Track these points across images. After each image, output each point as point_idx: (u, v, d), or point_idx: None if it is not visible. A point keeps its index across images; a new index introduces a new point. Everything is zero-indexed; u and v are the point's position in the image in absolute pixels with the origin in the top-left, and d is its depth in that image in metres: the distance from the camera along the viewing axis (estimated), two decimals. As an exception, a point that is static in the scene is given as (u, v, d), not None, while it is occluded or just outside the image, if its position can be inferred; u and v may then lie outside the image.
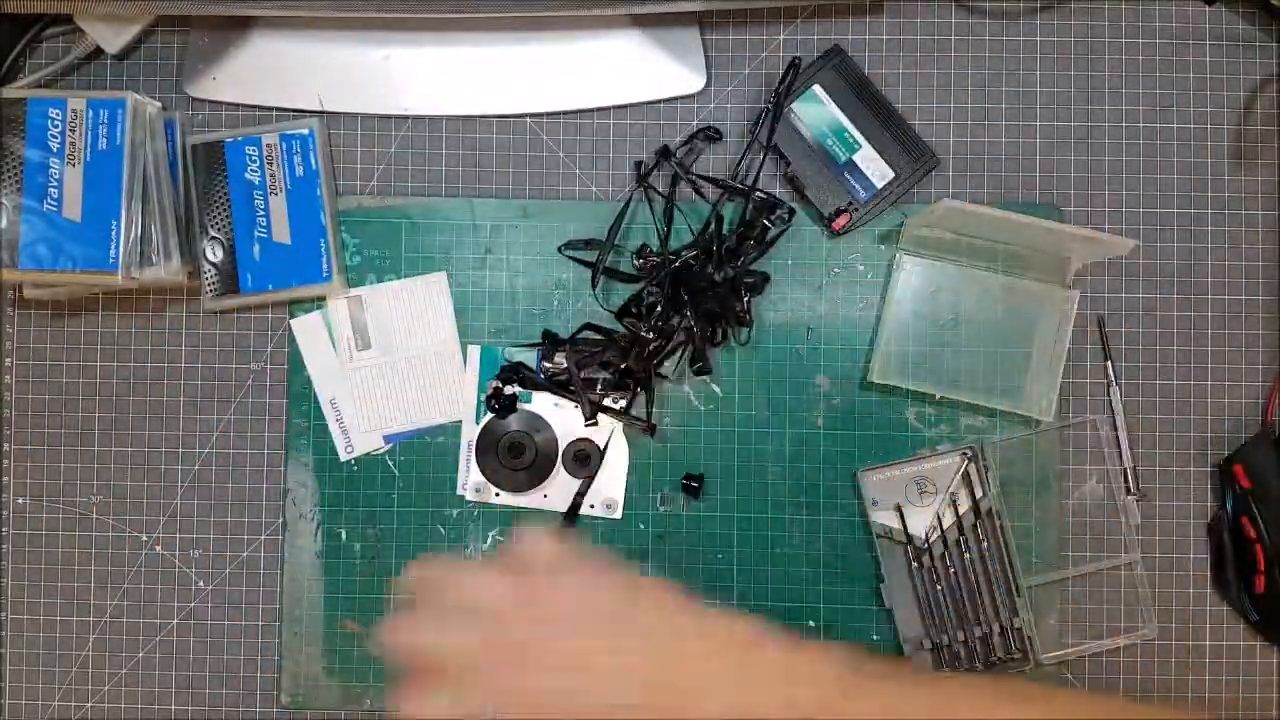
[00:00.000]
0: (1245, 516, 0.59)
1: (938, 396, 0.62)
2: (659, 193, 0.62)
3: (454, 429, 0.62)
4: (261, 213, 0.61)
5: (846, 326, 0.62)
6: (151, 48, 0.64)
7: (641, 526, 0.62)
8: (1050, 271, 0.61)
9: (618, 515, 0.62)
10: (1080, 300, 0.61)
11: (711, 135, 0.62)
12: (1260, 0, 0.62)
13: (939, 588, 0.60)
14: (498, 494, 0.61)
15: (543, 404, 0.62)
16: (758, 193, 0.61)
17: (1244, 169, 0.63)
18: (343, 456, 0.62)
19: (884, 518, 0.61)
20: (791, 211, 0.61)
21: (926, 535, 0.61)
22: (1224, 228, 0.63)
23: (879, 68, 0.63)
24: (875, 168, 0.61)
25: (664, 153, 0.61)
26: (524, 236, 0.63)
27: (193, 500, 0.63)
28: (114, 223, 0.56)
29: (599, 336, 0.61)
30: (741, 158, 0.62)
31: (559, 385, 0.61)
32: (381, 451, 0.62)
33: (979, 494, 0.61)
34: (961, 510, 0.61)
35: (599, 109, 0.63)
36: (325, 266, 0.61)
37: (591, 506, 0.61)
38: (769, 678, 0.42)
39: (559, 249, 0.62)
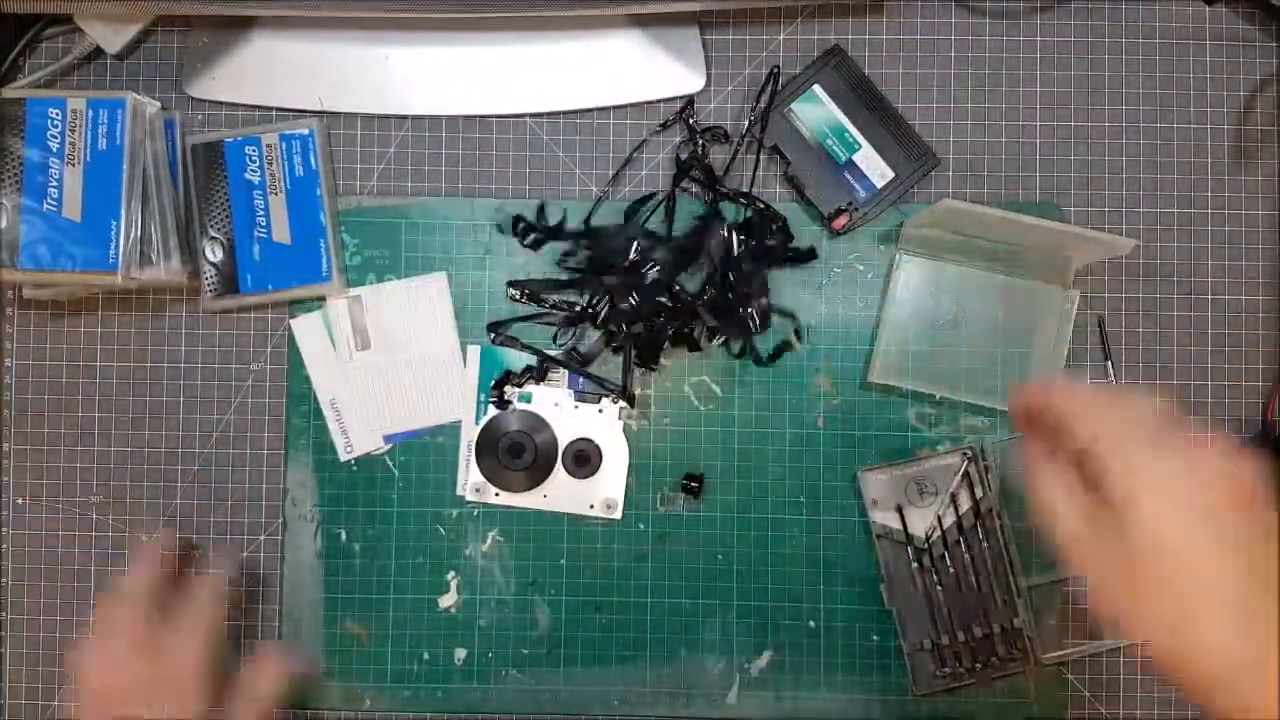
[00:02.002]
0: (1245, 516, 0.59)
1: (938, 396, 0.62)
2: (696, 188, 0.62)
3: (454, 429, 0.62)
4: (261, 213, 0.61)
5: (846, 326, 0.62)
6: (151, 48, 0.64)
7: (641, 527, 0.62)
8: (1050, 271, 0.61)
9: (617, 515, 0.62)
10: (1080, 300, 0.61)
11: (719, 136, 0.62)
12: (1260, 0, 0.62)
13: (939, 588, 0.60)
14: (497, 494, 0.61)
15: (543, 404, 0.62)
16: (759, 204, 0.61)
17: (1244, 169, 0.63)
18: (343, 456, 0.62)
19: (884, 518, 0.61)
20: (783, 221, 0.61)
21: (927, 535, 0.61)
22: (1224, 228, 0.63)
23: (879, 68, 0.63)
24: (875, 168, 0.61)
25: (686, 161, 0.61)
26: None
27: (192, 500, 0.62)
28: (114, 223, 0.56)
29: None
30: (731, 160, 0.62)
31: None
32: (381, 451, 0.62)
33: (979, 494, 0.61)
34: (961, 510, 0.61)
35: (599, 109, 0.63)
36: (325, 266, 0.61)
37: (591, 506, 0.61)
38: None
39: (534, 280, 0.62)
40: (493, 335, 0.62)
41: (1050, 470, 0.42)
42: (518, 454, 0.61)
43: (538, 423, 0.61)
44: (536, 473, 0.61)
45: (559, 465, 0.61)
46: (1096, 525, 0.40)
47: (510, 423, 0.61)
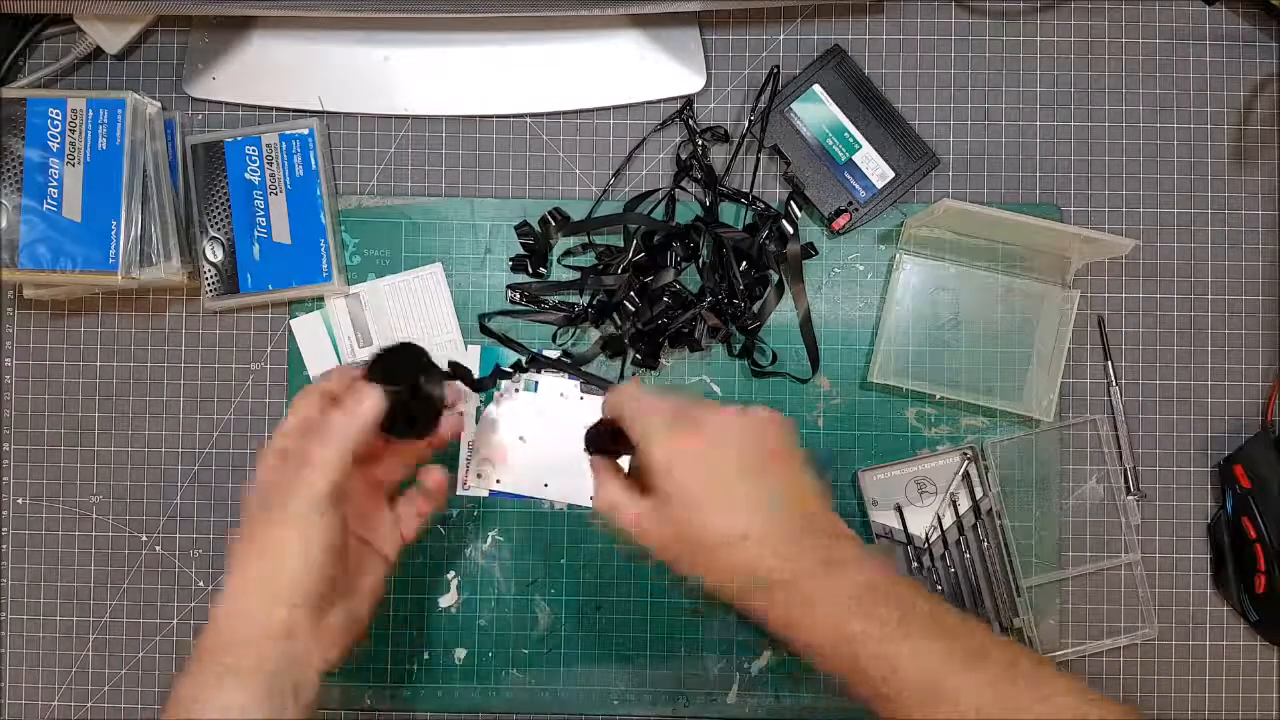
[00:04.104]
0: (1245, 516, 0.59)
1: (938, 396, 0.62)
2: (693, 192, 0.62)
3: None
4: (261, 213, 0.61)
5: (846, 326, 0.62)
6: (151, 48, 0.64)
7: (641, 526, 0.62)
8: (1050, 271, 0.61)
9: (618, 515, 0.61)
10: (1080, 300, 0.61)
11: (719, 136, 0.62)
12: (1260, 0, 0.62)
13: (939, 588, 0.60)
14: (499, 481, 0.61)
15: (548, 395, 0.62)
16: (760, 203, 0.61)
17: (1244, 169, 0.63)
18: (343, 456, 0.62)
19: (884, 518, 0.61)
20: (777, 216, 0.61)
21: (926, 535, 0.61)
22: (1224, 228, 0.63)
23: (879, 68, 0.63)
24: (875, 168, 0.61)
25: (685, 163, 0.62)
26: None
27: (193, 500, 0.62)
28: (114, 223, 0.56)
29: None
30: (731, 160, 0.62)
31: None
32: (381, 451, 0.62)
33: (979, 494, 0.61)
34: (961, 510, 0.61)
35: (599, 109, 0.63)
36: (325, 266, 0.61)
37: (592, 498, 0.61)
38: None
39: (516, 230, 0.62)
40: (481, 327, 0.61)
41: (609, 472, 0.51)
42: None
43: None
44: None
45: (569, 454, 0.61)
46: (648, 504, 0.47)
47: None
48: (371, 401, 0.48)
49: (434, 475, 0.53)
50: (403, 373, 0.50)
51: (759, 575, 0.45)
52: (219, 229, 0.61)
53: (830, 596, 0.44)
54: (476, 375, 0.61)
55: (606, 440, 0.52)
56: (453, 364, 0.55)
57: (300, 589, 0.45)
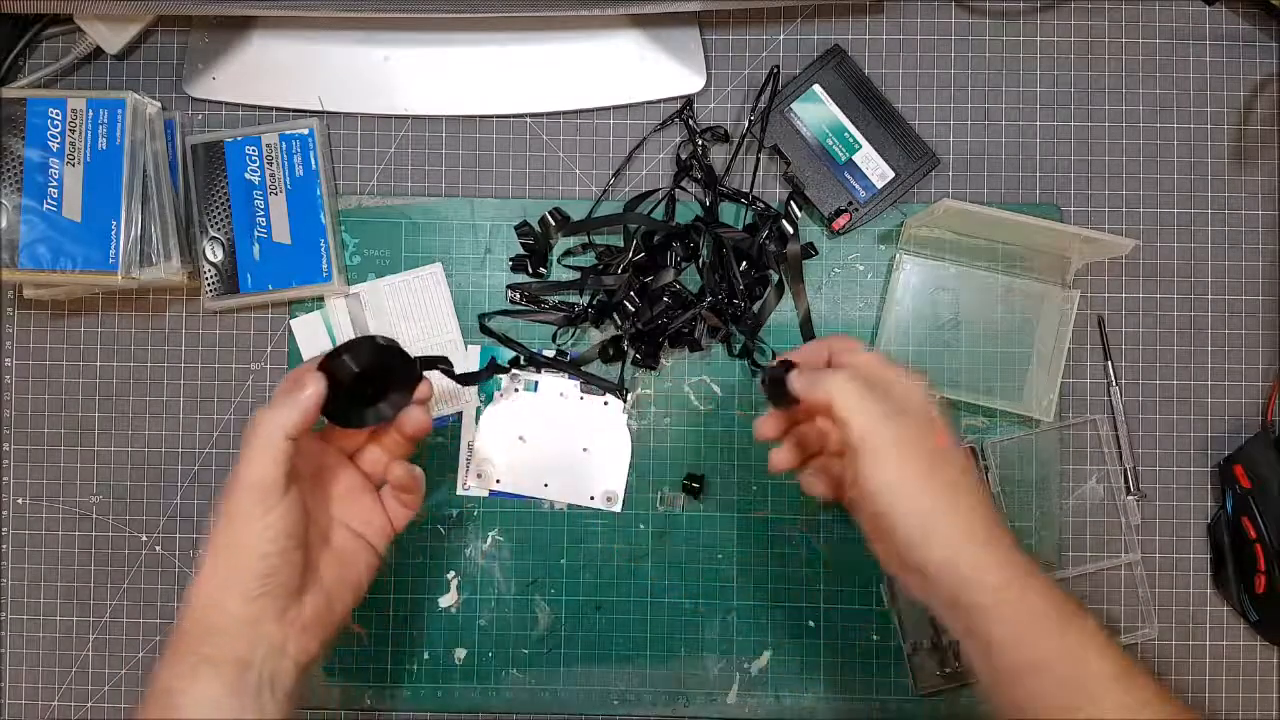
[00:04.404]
0: (1245, 516, 0.59)
1: (938, 396, 0.62)
2: (693, 192, 0.62)
3: (454, 429, 0.62)
4: (261, 213, 0.61)
5: (846, 326, 0.62)
6: (151, 48, 0.64)
7: (641, 526, 0.62)
8: (1050, 271, 0.61)
9: (617, 509, 0.62)
10: (1080, 300, 0.61)
11: (719, 135, 0.62)
12: (1260, 0, 0.62)
13: (939, 588, 0.60)
14: (499, 480, 0.61)
15: (548, 394, 0.62)
16: (760, 204, 0.61)
17: (1244, 169, 0.63)
18: (343, 456, 0.62)
19: (884, 518, 0.61)
20: (777, 216, 0.61)
21: (926, 535, 0.61)
22: (1224, 228, 0.63)
23: (879, 68, 0.63)
24: (875, 168, 0.61)
25: (685, 164, 0.62)
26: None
27: (193, 500, 0.62)
28: (114, 223, 0.56)
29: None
30: (731, 160, 0.62)
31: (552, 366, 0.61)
32: (381, 451, 0.62)
33: (979, 494, 0.61)
34: (961, 510, 0.61)
35: (599, 109, 0.63)
36: (325, 266, 0.61)
37: (591, 498, 0.61)
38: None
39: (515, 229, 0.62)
40: (480, 327, 0.62)
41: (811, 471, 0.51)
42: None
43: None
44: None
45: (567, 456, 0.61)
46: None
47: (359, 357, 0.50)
48: (311, 390, 0.46)
49: (397, 467, 0.51)
50: (347, 361, 0.49)
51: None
52: (219, 229, 0.61)
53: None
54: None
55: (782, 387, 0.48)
56: (434, 358, 0.54)
57: (259, 580, 0.45)
